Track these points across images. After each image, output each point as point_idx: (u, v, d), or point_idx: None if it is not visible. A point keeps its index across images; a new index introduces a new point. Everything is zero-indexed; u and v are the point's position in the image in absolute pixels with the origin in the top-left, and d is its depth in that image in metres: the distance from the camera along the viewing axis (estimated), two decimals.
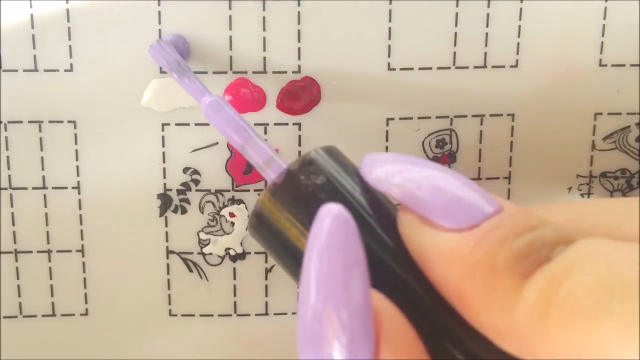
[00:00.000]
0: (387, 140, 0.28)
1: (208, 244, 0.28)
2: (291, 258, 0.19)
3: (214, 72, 0.27)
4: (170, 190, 0.28)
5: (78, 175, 0.27)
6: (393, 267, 0.18)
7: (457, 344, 0.17)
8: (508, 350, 0.16)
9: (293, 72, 0.27)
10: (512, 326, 0.15)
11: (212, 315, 0.29)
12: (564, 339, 0.14)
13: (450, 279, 0.17)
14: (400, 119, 0.28)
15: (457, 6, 0.27)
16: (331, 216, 0.16)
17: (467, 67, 0.27)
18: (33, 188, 0.27)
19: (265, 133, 0.27)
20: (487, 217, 0.17)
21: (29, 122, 0.27)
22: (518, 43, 0.27)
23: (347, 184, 0.19)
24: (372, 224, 0.19)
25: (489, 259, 0.16)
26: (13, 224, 0.28)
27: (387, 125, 0.28)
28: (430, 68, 0.27)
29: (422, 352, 0.17)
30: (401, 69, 0.27)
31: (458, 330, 0.17)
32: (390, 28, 0.27)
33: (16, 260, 0.28)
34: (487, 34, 0.27)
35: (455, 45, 0.27)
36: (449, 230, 0.17)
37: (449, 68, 0.27)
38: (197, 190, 0.28)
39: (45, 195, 0.28)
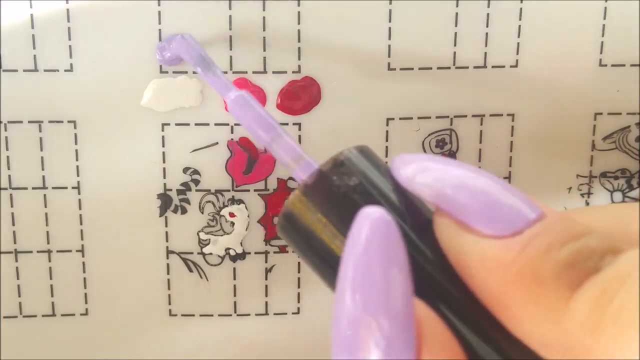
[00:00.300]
0: (387, 140, 0.28)
1: (208, 244, 0.28)
2: (322, 261, 0.19)
3: None
4: (170, 190, 0.28)
5: (78, 175, 0.27)
6: (431, 273, 0.18)
7: (499, 353, 0.17)
8: None
9: (293, 72, 0.27)
10: (560, 338, 0.15)
11: (212, 315, 0.29)
12: (617, 353, 0.14)
13: (492, 287, 0.16)
14: (400, 119, 0.28)
15: (457, 6, 0.27)
16: (371, 220, 0.16)
17: (467, 67, 0.27)
18: (33, 188, 0.27)
19: None
20: (529, 223, 0.16)
21: (29, 122, 0.27)
22: (518, 43, 0.27)
23: (381, 185, 0.19)
24: (408, 228, 0.18)
25: (534, 269, 0.15)
26: (13, 224, 0.28)
27: (387, 125, 0.28)
28: (430, 68, 0.27)
29: None
30: (401, 69, 0.27)
31: (499, 338, 0.17)
32: (390, 28, 0.27)
33: (16, 260, 0.28)
34: (487, 34, 0.27)
35: (455, 45, 0.27)
36: (490, 236, 0.16)
37: (449, 68, 0.27)
38: (197, 190, 0.28)
39: (45, 195, 0.28)
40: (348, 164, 0.19)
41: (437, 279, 0.18)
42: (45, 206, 0.28)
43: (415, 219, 0.18)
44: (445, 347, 0.16)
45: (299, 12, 0.26)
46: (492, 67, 0.27)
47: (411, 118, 0.28)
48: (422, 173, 0.18)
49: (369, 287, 0.16)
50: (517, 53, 0.27)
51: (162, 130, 0.27)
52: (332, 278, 0.18)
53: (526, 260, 0.16)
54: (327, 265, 0.19)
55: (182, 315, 0.29)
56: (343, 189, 0.19)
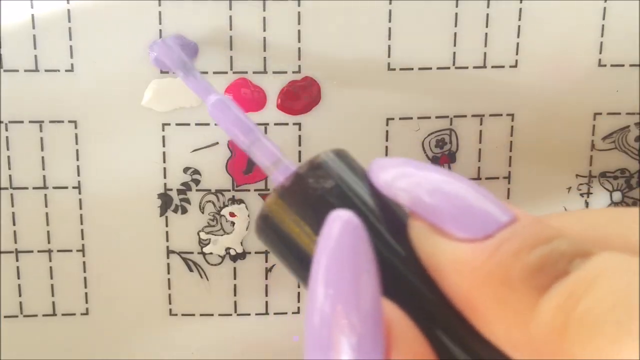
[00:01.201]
0: (387, 140, 0.28)
1: (208, 243, 0.28)
2: (298, 261, 0.19)
3: (214, 72, 0.27)
4: (171, 190, 0.28)
5: (79, 175, 0.27)
6: (404, 275, 0.18)
7: (469, 353, 0.17)
8: None
9: (293, 72, 0.27)
10: (527, 341, 0.15)
11: (212, 315, 0.29)
12: (582, 356, 0.14)
13: (462, 290, 0.16)
14: (400, 119, 0.28)
15: (457, 6, 0.27)
16: (340, 222, 0.16)
17: (467, 67, 0.27)
18: (34, 188, 0.27)
19: (266, 133, 0.27)
20: (501, 227, 0.16)
21: (30, 122, 0.27)
22: (518, 43, 0.27)
23: (357, 188, 0.19)
24: (382, 230, 0.18)
25: (503, 272, 0.16)
26: (14, 224, 0.28)
27: (387, 125, 0.28)
28: (430, 68, 0.27)
29: None
30: (401, 69, 0.27)
31: (469, 339, 0.17)
32: (390, 28, 0.27)
33: (17, 260, 0.28)
34: (486, 34, 0.27)
35: (455, 45, 0.27)
36: (462, 240, 0.16)
37: (448, 68, 0.27)
38: (197, 190, 0.28)
39: (45, 195, 0.28)
40: (325, 167, 0.19)
41: (409, 281, 0.18)
42: (46, 206, 0.28)
43: (390, 222, 0.19)
44: (415, 348, 0.16)
45: (299, 12, 0.26)
46: (492, 67, 0.27)
47: (411, 118, 0.28)
48: (398, 178, 0.18)
49: (340, 283, 0.16)
50: (517, 53, 0.27)
51: (163, 130, 0.27)
52: (308, 279, 0.19)
53: (496, 263, 0.16)
54: (303, 266, 0.19)
55: (183, 314, 0.29)
56: (319, 191, 0.19)
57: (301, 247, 0.19)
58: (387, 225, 0.19)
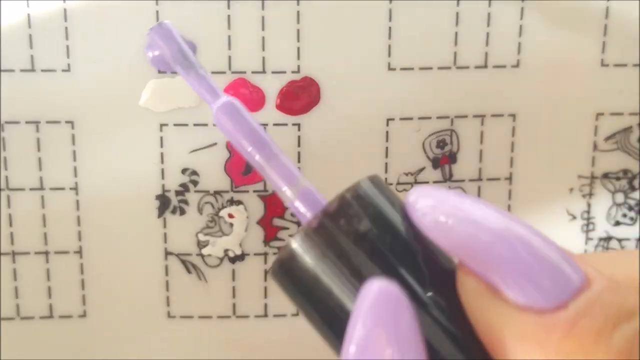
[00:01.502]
0: (387, 141, 0.28)
1: (207, 245, 0.28)
2: (321, 314, 0.17)
3: (212, 72, 0.27)
4: (169, 191, 0.28)
5: (76, 176, 0.27)
6: (452, 344, 0.15)
7: None
8: None
9: (292, 72, 0.27)
10: None
11: (210, 317, 0.29)
12: None
13: None
14: (400, 119, 0.27)
15: (457, 6, 0.27)
16: (378, 293, 0.14)
17: (468, 67, 0.27)
18: (30, 189, 0.27)
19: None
20: (575, 293, 0.14)
21: (26, 122, 0.27)
22: (519, 43, 0.27)
23: (395, 228, 0.16)
24: (422, 288, 0.16)
25: (582, 354, 0.13)
26: (10, 225, 0.28)
27: (387, 125, 0.28)
28: (431, 68, 0.27)
29: None
30: (401, 69, 0.27)
31: None
32: (390, 28, 0.27)
33: (14, 262, 0.28)
34: (488, 33, 0.27)
35: (455, 45, 0.27)
36: (527, 309, 0.14)
37: (449, 68, 0.27)
38: (195, 191, 0.28)
39: (42, 196, 0.27)
40: (356, 205, 0.16)
41: (459, 350, 0.15)
42: (43, 207, 0.27)
43: (434, 273, 0.16)
44: None
45: (298, 12, 0.26)
46: (493, 67, 0.27)
47: (411, 118, 0.28)
48: (445, 216, 0.15)
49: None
50: (519, 53, 0.27)
51: (161, 131, 0.27)
52: (334, 337, 0.17)
53: (572, 344, 0.13)
54: (326, 320, 0.17)
55: (181, 316, 0.29)
56: (352, 236, 0.16)
57: (328, 296, 0.17)
58: (431, 279, 0.16)
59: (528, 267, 0.14)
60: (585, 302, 0.14)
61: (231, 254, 0.28)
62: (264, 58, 0.27)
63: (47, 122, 0.27)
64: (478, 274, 0.14)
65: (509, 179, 0.28)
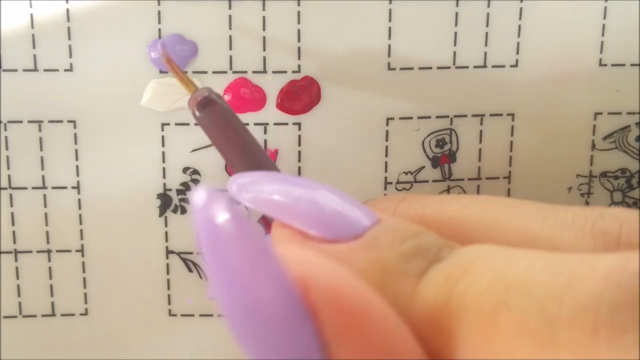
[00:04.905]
0: (387, 140, 0.28)
1: None
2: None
3: (213, 72, 0.27)
4: (170, 190, 0.28)
5: (78, 175, 0.27)
6: None
7: None
8: None
9: (293, 71, 0.27)
10: (409, 324, 0.15)
11: (211, 316, 0.29)
12: (463, 335, 0.15)
13: None
14: (400, 118, 0.28)
15: (457, 6, 0.27)
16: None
17: (467, 67, 0.27)
18: (33, 188, 0.27)
19: (265, 133, 0.27)
20: (367, 228, 0.17)
21: (29, 121, 0.27)
22: (518, 43, 0.27)
23: None
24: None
25: (380, 262, 0.16)
26: (13, 224, 0.28)
27: (387, 125, 0.28)
28: (430, 68, 0.27)
29: None
30: (401, 69, 0.27)
31: None
32: (390, 28, 0.27)
33: (16, 260, 0.28)
34: (487, 33, 0.27)
35: (455, 44, 0.27)
36: (333, 241, 0.17)
37: (449, 68, 0.27)
38: None
39: (45, 195, 0.27)
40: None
41: None
42: (45, 206, 0.28)
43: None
44: None
45: (298, 12, 0.26)
46: (492, 66, 0.27)
47: (411, 118, 0.28)
48: (265, 189, 0.19)
49: None
50: (517, 52, 0.27)
51: (162, 130, 0.27)
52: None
53: (372, 256, 0.17)
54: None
55: (182, 315, 0.29)
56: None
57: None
58: None
59: (327, 215, 0.18)
60: (378, 229, 0.17)
61: None
62: (264, 58, 0.27)
63: (50, 121, 0.27)
64: (288, 225, 0.18)
65: (508, 178, 0.29)
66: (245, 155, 0.22)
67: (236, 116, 0.22)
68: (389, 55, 0.27)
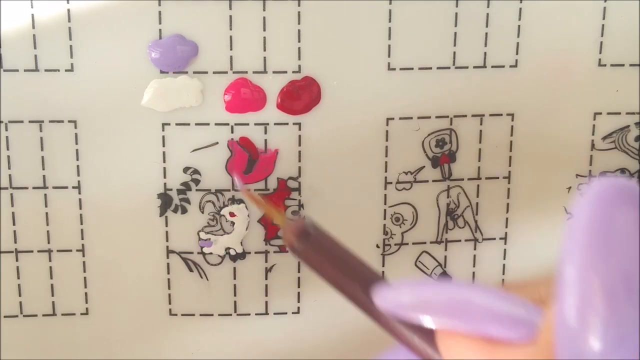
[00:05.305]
0: (387, 140, 0.28)
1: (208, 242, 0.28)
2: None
3: (214, 72, 0.27)
4: (171, 189, 0.28)
5: (78, 175, 0.27)
6: None
7: None
8: None
9: (293, 72, 0.27)
10: None
11: (212, 315, 0.29)
12: None
13: None
14: (400, 119, 0.28)
15: (457, 6, 0.27)
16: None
17: (467, 67, 0.27)
18: (33, 188, 0.27)
19: (265, 133, 0.27)
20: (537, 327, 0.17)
21: (30, 121, 0.27)
22: (517, 43, 0.27)
23: None
24: None
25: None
26: (14, 224, 0.28)
27: (387, 125, 0.28)
28: (430, 68, 0.27)
29: None
30: (401, 69, 0.27)
31: None
32: (390, 28, 0.27)
33: (17, 260, 0.28)
34: (486, 34, 0.27)
35: (455, 45, 0.27)
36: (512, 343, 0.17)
37: (448, 68, 0.27)
38: (197, 190, 0.28)
39: (45, 194, 0.28)
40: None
41: None
42: (46, 206, 0.28)
43: None
44: None
45: (299, 12, 0.26)
46: (492, 67, 0.27)
47: (411, 118, 0.28)
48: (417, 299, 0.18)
49: None
50: (517, 53, 0.27)
51: (163, 130, 0.27)
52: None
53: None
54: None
55: (182, 314, 0.29)
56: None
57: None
58: None
59: (502, 316, 0.17)
60: (546, 331, 0.17)
61: (232, 252, 0.28)
62: (265, 58, 0.27)
63: (50, 121, 0.27)
64: (465, 332, 0.18)
65: (508, 177, 0.29)
66: (353, 274, 0.21)
67: (333, 240, 0.21)
68: (389, 55, 0.27)
